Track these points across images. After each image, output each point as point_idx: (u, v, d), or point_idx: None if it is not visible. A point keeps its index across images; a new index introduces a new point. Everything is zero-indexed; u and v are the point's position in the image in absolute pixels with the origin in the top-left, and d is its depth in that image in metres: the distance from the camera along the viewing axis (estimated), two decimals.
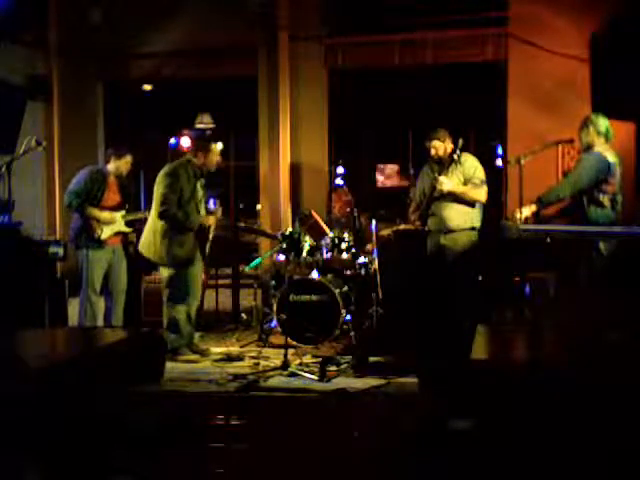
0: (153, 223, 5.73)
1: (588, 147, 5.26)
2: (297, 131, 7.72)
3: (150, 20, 7.72)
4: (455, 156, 5.67)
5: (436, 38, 7.35)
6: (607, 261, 5.02)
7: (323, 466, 3.51)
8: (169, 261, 5.68)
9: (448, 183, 5.68)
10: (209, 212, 5.99)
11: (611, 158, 5.20)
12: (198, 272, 5.86)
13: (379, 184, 10.04)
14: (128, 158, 6.20)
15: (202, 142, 5.96)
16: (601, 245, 5.04)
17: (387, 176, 10.12)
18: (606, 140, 5.25)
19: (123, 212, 6.15)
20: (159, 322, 5.85)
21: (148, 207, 6.13)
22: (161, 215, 5.59)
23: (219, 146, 5.93)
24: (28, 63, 7.80)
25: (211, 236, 5.87)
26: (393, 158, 9.79)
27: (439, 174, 5.71)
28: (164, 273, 5.78)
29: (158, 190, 5.65)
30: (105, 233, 6.01)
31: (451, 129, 5.91)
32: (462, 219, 5.76)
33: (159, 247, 5.67)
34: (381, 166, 10.03)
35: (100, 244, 6.00)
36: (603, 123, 5.26)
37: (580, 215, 5.20)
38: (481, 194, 5.77)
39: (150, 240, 5.73)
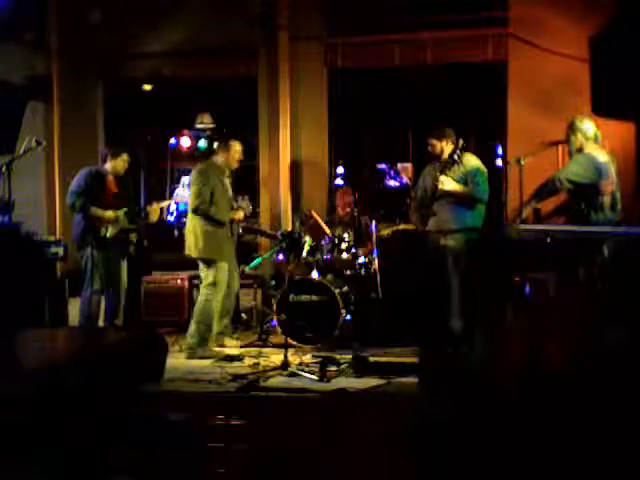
0: (190, 223, 6.01)
1: (577, 150, 5.27)
2: (297, 131, 7.72)
3: (150, 20, 7.71)
4: (455, 156, 5.67)
5: (436, 38, 7.35)
6: (608, 261, 5.01)
7: (323, 466, 3.51)
8: (203, 254, 5.94)
9: (449, 183, 5.68)
10: (238, 207, 6.18)
11: (602, 158, 5.21)
12: (231, 269, 6.05)
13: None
14: (124, 157, 6.20)
15: (222, 141, 6.23)
16: (602, 245, 5.03)
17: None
18: (595, 142, 5.26)
19: (125, 209, 6.16)
20: (159, 322, 5.86)
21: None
22: (195, 210, 5.90)
23: (238, 143, 6.16)
24: (28, 63, 7.80)
25: (240, 230, 6.02)
26: (393, 158, 9.78)
27: (440, 174, 5.72)
28: (202, 268, 6.00)
29: (191, 188, 6.01)
30: (110, 232, 6.03)
31: (452, 127, 5.92)
32: (463, 219, 5.76)
33: (196, 243, 5.93)
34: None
35: (106, 243, 6.01)
36: (590, 127, 5.26)
37: (581, 221, 5.19)
38: (482, 195, 5.78)
39: (191, 240, 5.99)
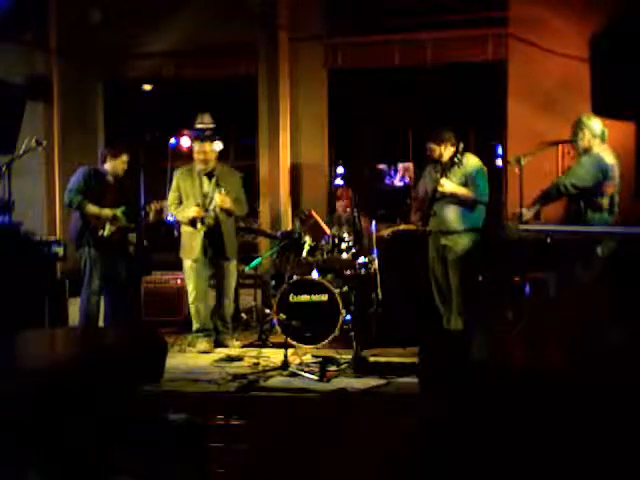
0: None
1: (585, 150, 5.24)
2: (297, 131, 7.72)
3: (150, 20, 7.71)
4: (456, 159, 5.67)
5: (436, 38, 7.35)
6: (607, 261, 5.01)
7: (323, 466, 3.51)
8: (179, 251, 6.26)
9: (449, 185, 5.68)
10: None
11: (609, 159, 5.19)
12: (216, 268, 6.16)
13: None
14: (124, 157, 6.20)
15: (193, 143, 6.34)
16: (602, 245, 5.03)
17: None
18: (602, 141, 5.24)
19: (123, 208, 6.15)
20: (159, 322, 5.87)
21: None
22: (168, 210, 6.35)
23: (204, 145, 6.08)
24: (28, 63, 7.80)
25: (198, 226, 6.02)
26: (393, 158, 9.76)
27: (441, 175, 5.72)
28: None
29: None
30: (108, 230, 6.02)
31: (451, 129, 5.91)
32: (463, 220, 5.76)
33: None
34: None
35: (103, 242, 6.00)
36: (597, 125, 5.24)
37: (577, 220, 5.18)
38: (482, 197, 5.77)
39: None
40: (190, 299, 6.12)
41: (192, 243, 6.05)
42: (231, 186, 6.12)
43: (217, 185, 6.01)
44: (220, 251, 6.11)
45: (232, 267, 6.22)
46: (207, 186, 6.09)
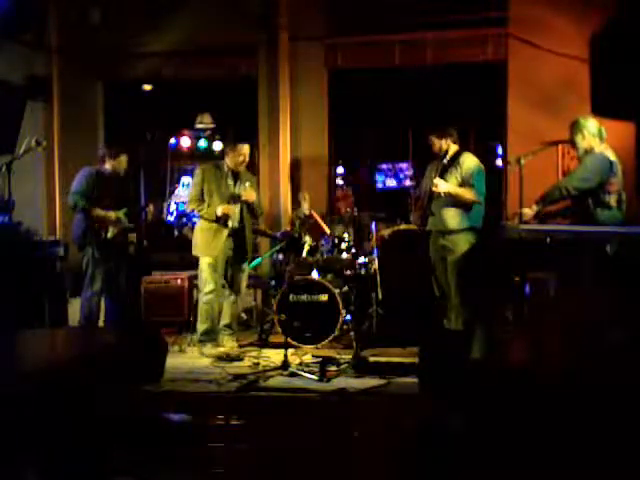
0: None
1: (586, 151, 5.24)
2: (297, 131, 7.72)
3: (150, 20, 7.72)
4: (445, 161, 5.70)
5: (436, 38, 7.36)
6: (609, 261, 5.00)
7: (323, 466, 3.51)
8: (193, 251, 6.07)
9: (443, 185, 5.67)
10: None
11: (612, 157, 5.20)
12: (231, 269, 6.06)
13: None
14: (122, 157, 6.21)
15: (228, 143, 6.23)
16: (602, 245, 5.02)
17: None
18: (601, 140, 5.23)
19: (125, 209, 6.16)
20: (159, 322, 5.86)
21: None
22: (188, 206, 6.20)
23: (244, 147, 6.04)
24: (28, 63, 7.80)
25: (230, 224, 5.96)
26: (393, 158, 9.78)
27: (437, 175, 5.73)
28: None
29: None
30: (111, 232, 6.04)
31: (455, 127, 5.92)
32: (460, 220, 5.75)
33: (192, 241, 6.12)
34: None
35: (106, 243, 6.02)
36: (594, 124, 5.23)
37: (587, 218, 5.17)
38: (477, 197, 5.76)
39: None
40: (206, 298, 5.94)
41: (214, 240, 5.95)
42: (252, 185, 6.16)
43: (243, 182, 6.05)
44: (240, 251, 6.06)
45: (246, 268, 6.22)
46: (234, 186, 6.06)
